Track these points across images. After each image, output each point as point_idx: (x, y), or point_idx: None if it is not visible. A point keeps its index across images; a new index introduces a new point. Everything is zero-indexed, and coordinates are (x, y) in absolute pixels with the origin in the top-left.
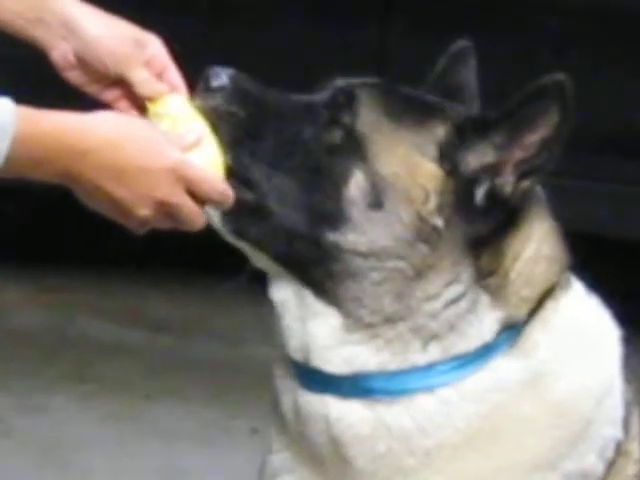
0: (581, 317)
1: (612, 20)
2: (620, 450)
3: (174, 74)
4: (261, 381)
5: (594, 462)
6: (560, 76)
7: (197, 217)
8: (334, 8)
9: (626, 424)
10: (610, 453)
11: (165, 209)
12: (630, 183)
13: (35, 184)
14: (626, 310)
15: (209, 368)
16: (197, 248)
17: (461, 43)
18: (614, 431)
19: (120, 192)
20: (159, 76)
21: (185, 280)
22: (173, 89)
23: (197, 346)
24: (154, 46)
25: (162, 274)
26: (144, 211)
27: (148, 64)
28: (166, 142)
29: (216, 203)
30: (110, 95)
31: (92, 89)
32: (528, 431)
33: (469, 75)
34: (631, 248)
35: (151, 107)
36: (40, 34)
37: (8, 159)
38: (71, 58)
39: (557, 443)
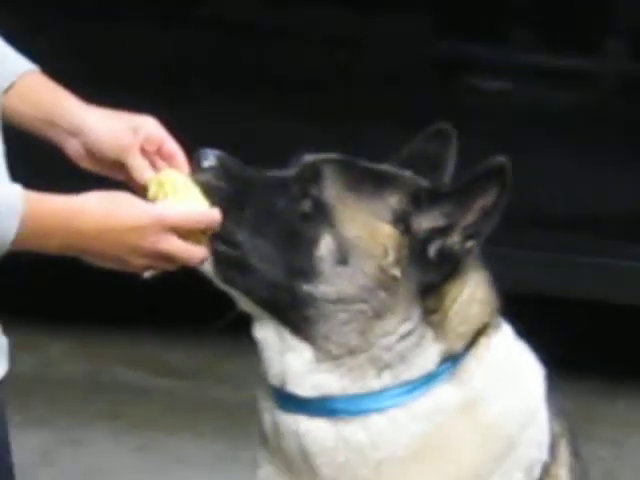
0: (509, 353)
1: None
2: (549, 473)
3: (171, 144)
4: None
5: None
6: (502, 159)
7: (193, 254)
8: None
9: (554, 451)
10: (537, 474)
11: (158, 255)
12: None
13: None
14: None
15: (219, 408)
16: (211, 309)
17: (440, 124)
18: (539, 454)
19: (116, 251)
20: (158, 149)
21: (199, 334)
22: (171, 157)
23: (209, 389)
24: (148, 126)
25: (180, 329)
26: (140, 261)
27: (147, 142)
28: (147, 205)
29: (209, 229)
30: (122, 176)
31: (107, 173)
32: (464, 448)
33: (442, 150)
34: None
35: (147, 194)
36: (54, 134)
37: (18, 235)
38: (82, 151)
39: (487, 459)
